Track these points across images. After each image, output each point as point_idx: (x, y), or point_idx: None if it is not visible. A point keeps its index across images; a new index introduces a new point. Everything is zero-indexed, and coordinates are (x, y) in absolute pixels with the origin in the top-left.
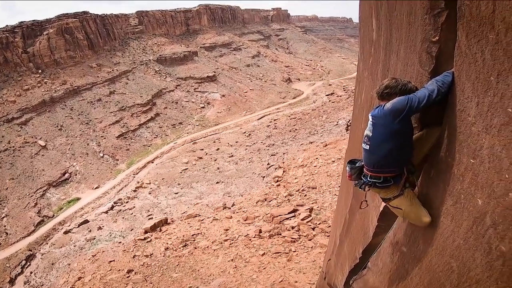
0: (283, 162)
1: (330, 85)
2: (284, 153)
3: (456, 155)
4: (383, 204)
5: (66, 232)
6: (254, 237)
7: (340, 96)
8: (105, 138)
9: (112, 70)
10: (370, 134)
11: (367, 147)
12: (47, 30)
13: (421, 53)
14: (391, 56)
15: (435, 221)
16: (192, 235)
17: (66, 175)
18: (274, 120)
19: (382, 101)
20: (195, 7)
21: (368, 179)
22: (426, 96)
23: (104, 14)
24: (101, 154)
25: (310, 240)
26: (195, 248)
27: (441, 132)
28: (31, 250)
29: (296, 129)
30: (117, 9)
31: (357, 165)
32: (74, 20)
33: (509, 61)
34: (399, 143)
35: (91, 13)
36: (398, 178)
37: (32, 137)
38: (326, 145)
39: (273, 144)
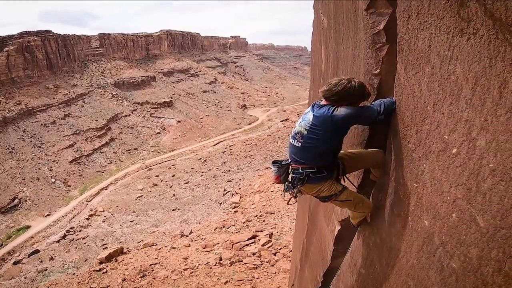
0: (240, 188)
1: (284, 111)
2: (240, 179)
3: (401, 179)
4: (338, 228)
5: (15, 263)
6: (215, 265)
7: (294, 122)
8: (57, 162)
9: (69, 92)
10: (305, 133)
11: (298, 144)
12: (7, 47)
13: None
14: None
15: (387, 243)
16: (150, 265)
17: (16, 201)
18: (230, 146)
19: (327, 101)
20: (156, 32)
21: (300, 170)
22: (375, 114)
23: (66, 34)
24: (53, 180)
25: (272, 265)
26: (154, 278)
27: (387, 159)
28: None
29: (251, 155)
30: (81, 30)
31: (283, 163)
32: (35, 38)
33: (443, 92)
34: (332, 146)
35: (53, 33)
36: (331, 171)
37: None
38: None
39: (229, 170)
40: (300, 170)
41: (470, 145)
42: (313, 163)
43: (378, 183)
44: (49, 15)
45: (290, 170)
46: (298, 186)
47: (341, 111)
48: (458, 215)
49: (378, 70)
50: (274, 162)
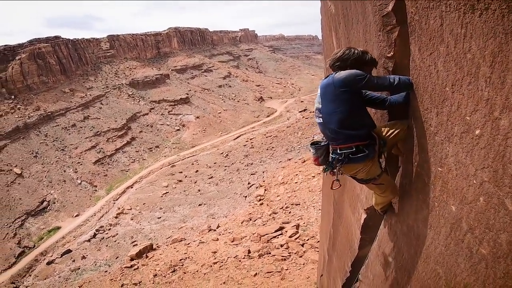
0: (264, 181)
1: (302, 101)
2: (263, 172)
3: (424, 164)
4: (364, 216)
5: (49, 263)
6: (244, 257)
7: (313, 112)
8: (81, 164)
9: (85, 95)
10: (320, 106)
11: (320, 120)
12: (19, 55)
13: (378, 69)
14: None
15: (415, 230)
16: (180, 259)
17: (44, 203)
18: (250, 139)
19: (333, 71)
20: (164, 30)
21: (339, 151)
22: (386, 82)
23: (75, 38)
24: (79, 181)
25: (300, 257)
26: (185, 273)
27: (409, 144)
28: (14, 283)
29: (273, 147)
30: (89, 33)
31: (322, 144)
32: (46, 45)
33: (461, 71)
34: (348, 111)
35: (63, 38)
36: (372, 149)
37: (7, 165)
38: (305, 161)
39: (251, 163)
40: (339, 151)
41: (493, 125)
42: (341, 140)
43: (404, 170)
44: (53, 21)
45: (330, 150)
46: (338, 167)
47: (342, 72)
48: (486, 199)
49: (391, 53)
50: (312, 144)
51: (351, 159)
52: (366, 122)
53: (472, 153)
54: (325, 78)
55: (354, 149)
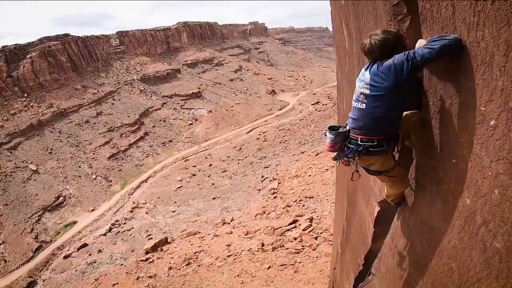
0: (277, 174)
1: (314, 94)
2: (277, 165)
3: (438, 156)
4: (377, 209)
5: (66, 257)
6: (258, 250)
7: (326, 104)
8: (96, 159)
9: (98, 91)
10: (367, 92)
11: (363, 106)
12: (30, 54)
13: None
14: (364, 63)
15: (428, 223)
16: (195, 252)
17: (60, 198)
18: (263, 132)
19: (380, 57)
20: (173, 25)
21: (359, 142)
22: (433, 50)
23: (85, 36)
24: (94, 176)
25: (314, 250)
26: (199, 266)
27: (423, 136)
28: (32, 277)
29: (286, 140)
30: (98, 31)
31: (340, 130)
32: (56, 43)
33: (474, 61)
34: (396, 101)
35: (72, 35)
36: (390, 144)
37: (22, 162)
38: (318, 154)
39: (265, 157)
40: (359, 142)
41: (509, 116)
42: (372, 131)
43: (417, 162)
44: (61, 20)
45: (346, 138)
46: (356, 158)
47: (390, 59)
48: (501, 192)
49: None
50: (330, 128)
51: (369, 151)
52: (399, 121)
53: (487, 144)
54: (372, 65)
55: (375, 143)
